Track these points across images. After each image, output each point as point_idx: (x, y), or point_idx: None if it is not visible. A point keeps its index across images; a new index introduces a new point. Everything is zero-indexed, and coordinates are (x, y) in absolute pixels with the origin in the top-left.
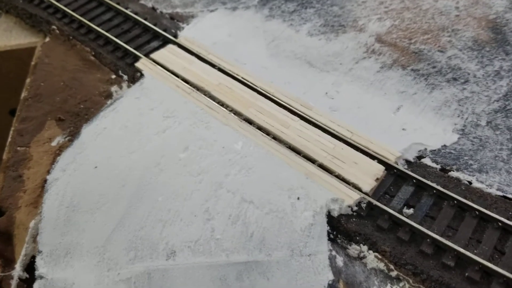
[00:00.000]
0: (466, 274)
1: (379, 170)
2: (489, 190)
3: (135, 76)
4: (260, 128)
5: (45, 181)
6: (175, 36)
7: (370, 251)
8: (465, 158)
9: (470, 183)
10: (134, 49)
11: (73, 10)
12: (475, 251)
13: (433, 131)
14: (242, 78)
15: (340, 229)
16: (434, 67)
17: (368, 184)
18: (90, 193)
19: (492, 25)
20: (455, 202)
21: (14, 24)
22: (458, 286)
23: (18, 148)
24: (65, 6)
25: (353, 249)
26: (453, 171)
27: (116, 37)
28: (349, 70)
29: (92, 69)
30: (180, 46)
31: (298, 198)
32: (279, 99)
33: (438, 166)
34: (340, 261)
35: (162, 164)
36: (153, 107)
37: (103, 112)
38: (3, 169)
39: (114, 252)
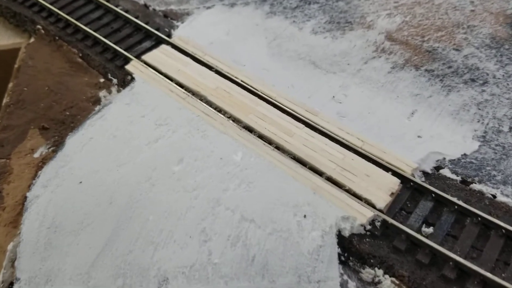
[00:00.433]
0: None
1: (394, 183)
2: None
3: (125, 80)
4: (261, 136)
5: (25, 198)
6: (169, 35)
7: (386, 276)
8: (488, 168)
9: (495, 196)
10: (125, 50)
11: (59, 8)
12: (503, 275)
13: (452, 138)
14: (241, 81)
15: (352, 250)
16: (450, 67)
17: (382, 199)
18: (74, 212)
19: (510, 21)
20: (479, 219)
21: None
22: None
23: None
24: (51, 4)
25: (367, 273)
26: (475, 183)
27: (105, 37)
28: (357, 71)
29: (79, 72)
30: (174, 46)
31: (305, 216)
32: (282, 104)
33: (459, 178)
34: (352, 286)
35: (153, 179)
36: (145, 114)
37: (90, 120)
38: None
39: (99, 279)
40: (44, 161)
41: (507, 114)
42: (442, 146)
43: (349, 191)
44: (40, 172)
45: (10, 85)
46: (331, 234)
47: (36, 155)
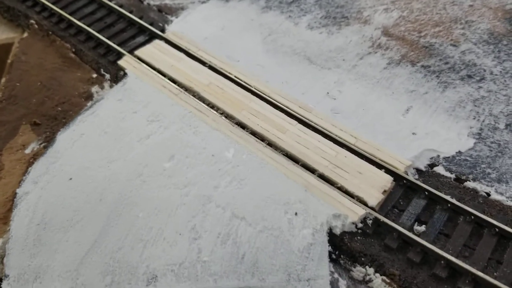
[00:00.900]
0: None
1: (387, 181)
2: (509, 203)
3: (118, 75)
4: (254, 133)
5: (15, 194)
6: (163, 30)
7: (377, 274)
8: (483, 166)
9: (489, 194)
10: (118, 45)
11: (53, 3)
12: (495, 274)
13: (447, 136)
14: (234, 77)
15: (343, 248)
16: (446, 63)
17: (374, 197)
18: (64, 209)
19: (509, 16)
20: (472, 217)
21: None
22: None
23: None
24: None
25: (358, 272)
26: (469, 181)
27: (98, 32)
28: (352, 67)
29: (72, 68)
30: (168, 41)
31: (296, 214)
32: (275, 100)
33: (453, 176)
34: (343, 285)
35: (144, 175)
36: (137, 110)
37: (81, 116)
38: None
39: (88, 276)
40: (35, 157)
41: (503, 111)
42: (437, 144)
43: (341, 189)
44: (30, 168)
45: (3, 80)
46: (322, 232)
47: (28, 151)
